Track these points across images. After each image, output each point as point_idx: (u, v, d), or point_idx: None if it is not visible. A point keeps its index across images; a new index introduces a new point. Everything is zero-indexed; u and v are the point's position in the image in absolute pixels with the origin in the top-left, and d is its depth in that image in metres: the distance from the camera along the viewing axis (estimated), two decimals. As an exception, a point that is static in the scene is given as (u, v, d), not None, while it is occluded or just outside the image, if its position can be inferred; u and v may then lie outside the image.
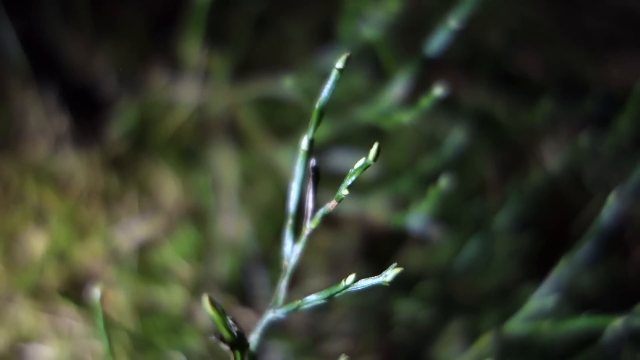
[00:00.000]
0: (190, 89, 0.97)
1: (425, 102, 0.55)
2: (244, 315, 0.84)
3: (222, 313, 0.31)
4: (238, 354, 0.32)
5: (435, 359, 0.76)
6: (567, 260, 0.62)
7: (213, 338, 0.32)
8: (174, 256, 0.87)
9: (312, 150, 0.39)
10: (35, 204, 0.94)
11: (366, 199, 0.72)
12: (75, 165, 0.95)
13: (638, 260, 0.92)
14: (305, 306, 0.40)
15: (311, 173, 0.38)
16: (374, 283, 0.37)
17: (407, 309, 0.79)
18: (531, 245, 0.86)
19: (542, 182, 0.87)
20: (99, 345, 0.85)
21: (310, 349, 0.80)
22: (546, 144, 0.98)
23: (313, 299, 0.40)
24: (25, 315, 0.87)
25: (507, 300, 0.79)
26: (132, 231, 0.90)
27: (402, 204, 0.73)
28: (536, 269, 0.77)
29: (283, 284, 0.42)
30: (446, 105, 0.95)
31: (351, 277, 0.37)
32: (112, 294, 0.87)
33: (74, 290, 0.90)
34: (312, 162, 0.38)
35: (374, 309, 0.82)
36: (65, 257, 0.90)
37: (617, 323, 0.53)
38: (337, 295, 0.39)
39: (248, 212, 0.86)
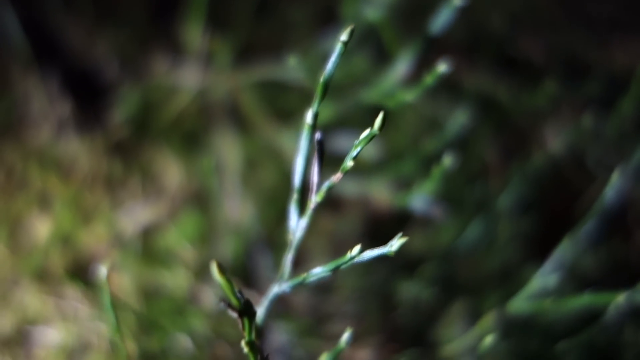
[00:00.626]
0: (192, 73, 0.97)
1: (429, 80, 0.55)
2: (248, 296, 0.85)
3: (230, 280, 0.31)
4: (246, 321, 0.33)
5: (439, 340, 0.77)
6: (570, 240, 0.63)
7: (222, 305, 0.32)
8: (178, 239, 0.88)
9: (316, 124, 0.39)
10: (39, 188, 0.94)
11: (369, 180, 0.72)
12: (79, 150, 0.96)
13: (640, 242, 0.92)
14: (311, 279, 0.41)
15: (316, 147, 0.38)
16: (379, 254, 0.37)
17: (410, 291, 0.80)
18: (533, 227, 0.86)
19: (545, 164, 0.87)
20: (105, 328, 0.86)
21: (314, 330, 0.81)
22: (549, 126, 0.98)
23: (318, 271, 0.41)
24: (30, 298, 0.87)
25: (510, 281, 0.79)
26: (136, 215, 0.91)
27: (405, 186, 0.73)
28: (538, 250, 0.77)
29: (288, 258, 0.42)
30: (448, 88, 0.95)
31: (356, 248, 0.37)
32: (116, 277, 0.88)
33: (79, 273, 0.90)
34: (317, 135, 0.38)
35: (377, 291, 0.83)
36: (69, 241, 0.91)
37: (620, 299, 0.53)
38: (342, 267, 0.39)
39: (251, 196, 0.86)
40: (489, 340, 0.54)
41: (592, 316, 0.68)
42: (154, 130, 0.97)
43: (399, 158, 0.74)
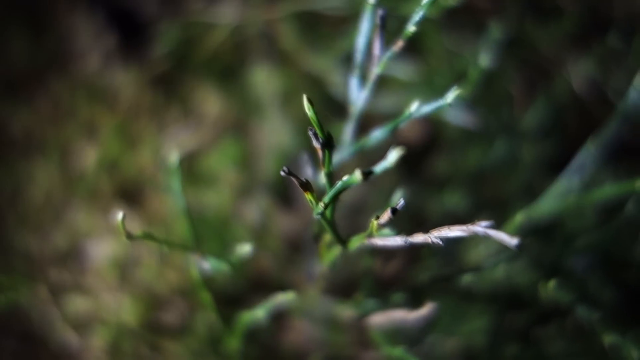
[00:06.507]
0: (229, 9, 1.01)
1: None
2: (288, 217, 0.91)
3: (317, 113, 0.37)
4: (327, 153, 0.38)
5: (465, 248, 0.82)
6: (594, 143, 0.67)
7: (310, 133, 0.38)
8: (220, 162, 0.93)
9: (378, 3, 0.43)
10: (87, 117, 1.00)
11: (404, 96, 0.77)
12: (124, 81, 1.01)
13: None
14: (371, 143, 0.46)
15: (379, 22, 0.43)
16: (436, 107, 0.42)
17: (437, 206, 0.85)
18: (555, 152, 0.91)
19: (567, 92, 0.91)
20: (153, 244, 0.92)
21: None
22: (573, 63, 1.01)
23: (378, 135, 0.46)
24: (82, 217, 0.93)
25: (533, 198, 0.84)
26: (179, 141, 0.96)
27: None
28: (560, 174, 0.82)
29: (349, 127, 0.48)
30: (473, 26, 0.99)
31: (415, 104, 0.42)
32: (163, 199, 0.93)
33: (128, 195, 0.96)
34: (380, 12, 0.43)
35: (406, 207, 0.88)
36: (116, 166, 0.96)
37: (639, 184, 0.58)
38: (401, 124, 0.44)
39: (290, 121, 0.91)
40: (519, 218, 0.59)
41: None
42: (194, 63, 1.02)
43: (431, 78, 0.79)
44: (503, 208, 0.84)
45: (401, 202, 0.37)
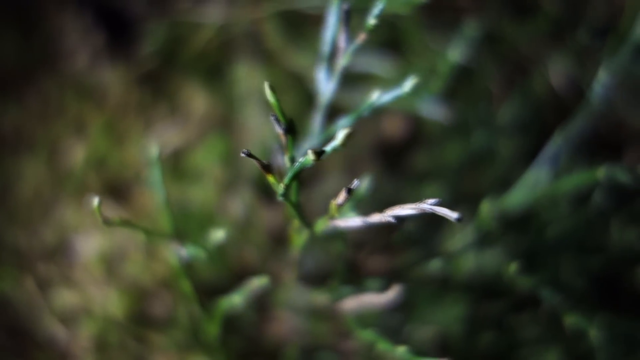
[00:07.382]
0: (215, 9, 1.04)
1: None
2: (271, 212, 0.93)
3: (279, 101, 0.39)
4: (290, 138, 0.40)
5: (442, 240, 0.84)
6: (561, 135, 0.69)
7: (272, 118, 0.40)
8: (206, 158, 0.95)
9: (343, -1, 0.45)
10: (75, 115, 1.02)
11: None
12: (111, 79, 1.03)
13: (631, 162, 0.98)
14: (338, 130, 0.48)
15: (344, 17, 0.45)
16: (395, 95, 0.44)
17: (416, 199, 0.87)
18: (532, 146, 0.93)
19: (544, 88, 0.93)
20: (139, 238, 0.93)
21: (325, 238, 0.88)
22: (550, 58, 1.04)
23: (344, 122, 0.48)
24: (70, 213, 0.95)
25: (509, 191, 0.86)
26: (166, 138, 0.98)
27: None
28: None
29: (318, 117, 0.50)
30: (454, 24, 1.01)
31: (376, 93, 0.44)
32: (149, 194, 0.95)
33: (115, 192, 0.98)
34: (345, 6, 0.45)
35: (386, 202, 0.90)
36: (104, 163, 0.98)
37: (600, 173, 0.60)
38: (365, 113, 0.46)
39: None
40: (486, 207, 0.61)
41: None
42: (181, 61, 1.04)
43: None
44: (480, 201, 0.86)
45: (355, 182, 0.39)
